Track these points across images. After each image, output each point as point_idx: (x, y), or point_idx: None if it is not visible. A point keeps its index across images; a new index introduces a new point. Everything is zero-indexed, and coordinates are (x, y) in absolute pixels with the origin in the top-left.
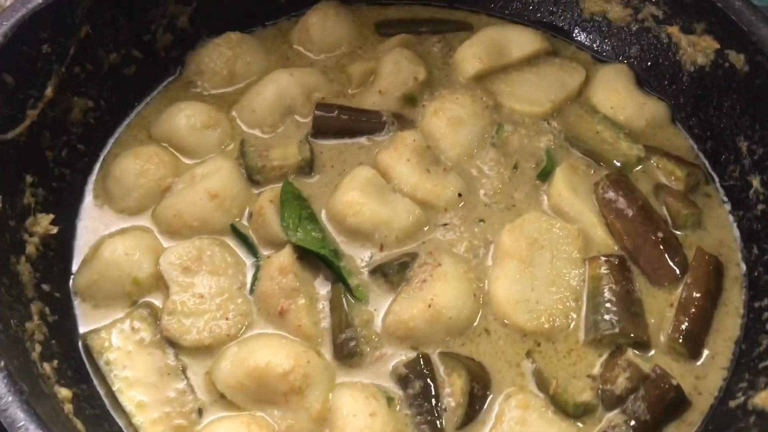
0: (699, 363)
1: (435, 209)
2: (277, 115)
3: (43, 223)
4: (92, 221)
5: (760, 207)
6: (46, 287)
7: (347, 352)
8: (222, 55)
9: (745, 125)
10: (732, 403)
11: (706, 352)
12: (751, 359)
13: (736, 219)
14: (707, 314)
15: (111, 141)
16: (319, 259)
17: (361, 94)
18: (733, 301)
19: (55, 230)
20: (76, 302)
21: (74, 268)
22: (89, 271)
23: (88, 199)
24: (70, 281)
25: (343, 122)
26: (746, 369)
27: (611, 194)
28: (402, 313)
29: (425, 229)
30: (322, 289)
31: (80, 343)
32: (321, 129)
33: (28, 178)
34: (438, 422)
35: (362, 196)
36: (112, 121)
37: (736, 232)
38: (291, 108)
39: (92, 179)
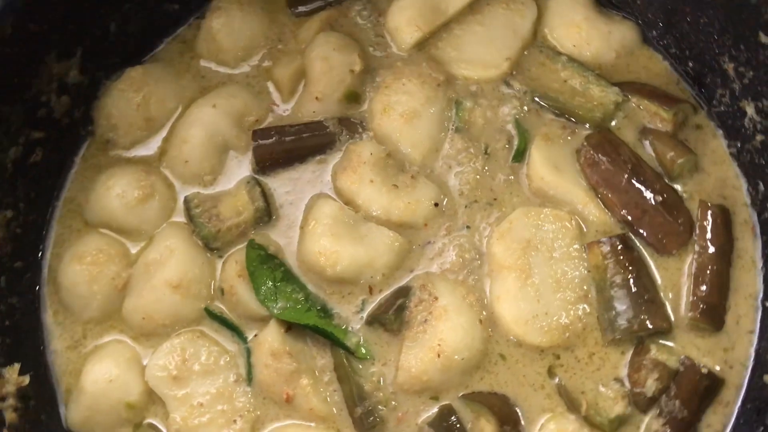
0: (724, 332)
1: (414, 228)
2: (214, 159)
3: (12, 378)
4: (60, 342)
5: (758, 138)
6: None
7: (368, 426)
8: (130, 101)
9: (728, 44)
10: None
11: (729, 319)
12: None
13: (735, 152)
14: (723, 276)
15: (48, 243)
16: (309, 330)
17: (298, 105)
18: (747, 250)
19: (27, 380)
20: None
21: (61, 406)
22: (79, 407)
23: (49, 321)
24: (63, 421)
25: (286, 147)
26: None
27: (597, 160)
28: (412, 368)
29: (411, 254)
30: (322, 357)
31: None
32: (265, 162)
33: None
34: None
35: (334, 241)
36: (39, 220)
37: (737, 169)
38: (225, 144)
39: (44, 295)
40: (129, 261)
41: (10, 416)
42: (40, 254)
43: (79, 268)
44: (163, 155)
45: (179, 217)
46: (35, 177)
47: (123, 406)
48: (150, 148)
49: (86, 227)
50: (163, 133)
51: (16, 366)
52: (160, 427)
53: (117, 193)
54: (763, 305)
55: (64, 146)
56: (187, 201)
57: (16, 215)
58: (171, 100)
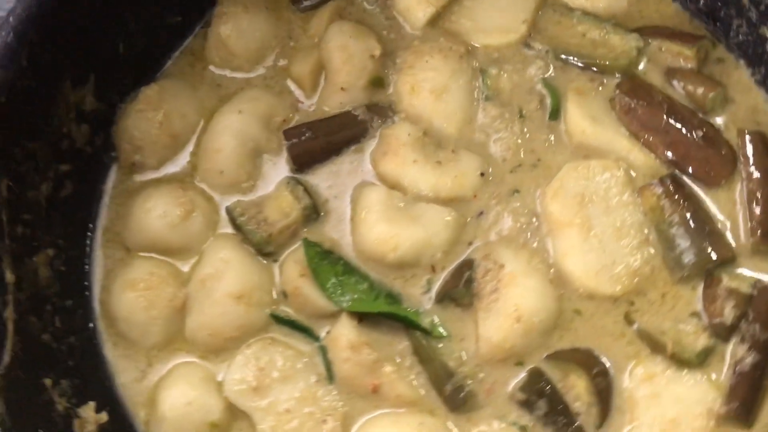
0: None
1: (465, 200)
2: (249, 165)
3: (91, 417)
4: (126, 375)
5: None
6: None
7: (460, 402)
8: (151, 120)
9: None
10: None
11: None
12: None
13: (760, 79)
14: None
15: (93, 277)
16: (381, 316)
17: (322, 99)
18: None
19: (105, 418)
20: None
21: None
22: None
23: (110, 355)
24: None
25: (320, 142)
26: None
27: (632, 106)
28: (493, 337)
29: (466, 227)
30: (399, 343)
31: None
32: (302, 160)
33: (47, 382)
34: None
35: (389, 226)
36: (80, 255)
37: (765, 94)
38: (257, 149)
39: (100, 331)
40: (182, 280)
41: None
42: (87, 290)
43: (133, 296)
44: (196, 169)
45: (225, 229)
46: (69, 211)
47: (207, 428)
48: (179, 165)
49: (129, 254)
50: (190, 147)
51: (92, 404)
52: None
53: (158, 213)
54: None
55: (91, 176)
56: (229, 211)
57: (57, 253)
58: (192, 113)
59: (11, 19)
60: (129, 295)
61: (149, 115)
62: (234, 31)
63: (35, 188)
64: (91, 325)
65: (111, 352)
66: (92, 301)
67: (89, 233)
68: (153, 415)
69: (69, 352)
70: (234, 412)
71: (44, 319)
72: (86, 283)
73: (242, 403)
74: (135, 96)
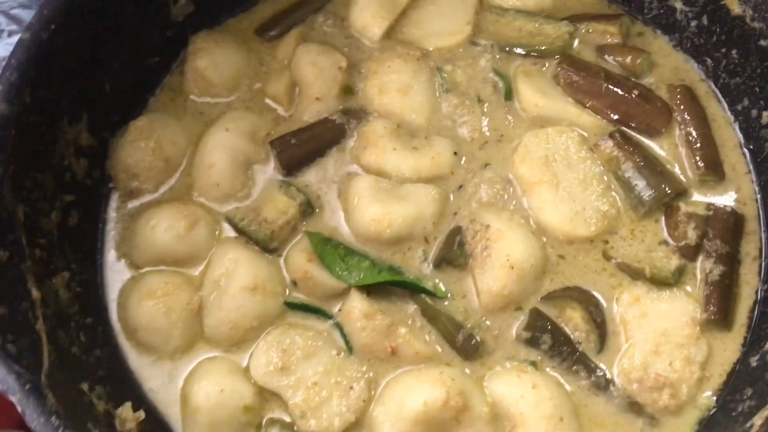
0: (727, 180)
1: (444, 178)
2: (242, 176)
3: (129, 416)
4: (155, 380)
5: (692, 24)
6: None
7: (472, 349)
8: (144, 148)
9: None
10: None
11: (726, 169)
12: (767, 157)
13: (677, 43)
14: (708, 136)
15: (107, 298)
16: (387, 285)
17: (299, 111)
18: (717, 113)
19: (142, 415)
20: None
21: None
22: (197, 428)
23: (135, 365)
24: None
25: (305, 147)
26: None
27: (574, 79)
28: (492, 287)
29: (449, 201)
30: (408, 307)
31: None
32: (290, 164)
33: (84, 387)
34: (583, 358)
35: (382, 206)
36: (92, 279)
37: (683, 55)
38: (247, 161)
39: (122, 345)
40: (195, 285)
41: None
42: (105, 310)
43: (151, 303)
44: (192, 187)
45: (228, 235)
46: (77, 239)
47: (241, 411)
48: (175, 186)
49: (139, 272)
50: (182, 169)
51: (128, 404)
52: (284, 417)
53: (163, 228)
54: (747, 149)
55: (94, 206)
56: (230, 218)
57: (72, 276)
58: (181, 139)
59: (13, 60)
60: (147, 303)
61: (141, 144)
62: (209, 63)
63: (46, 216)
64: (113, 340)
65: (136, 362)
66: (111, 320)
67: (99, 258)
68: (187, 410)
69: (97, 363)
70: (264, 395)
71: (70, 334)
72: (103, 304)
73: (271, 383)
74: (125, 130)
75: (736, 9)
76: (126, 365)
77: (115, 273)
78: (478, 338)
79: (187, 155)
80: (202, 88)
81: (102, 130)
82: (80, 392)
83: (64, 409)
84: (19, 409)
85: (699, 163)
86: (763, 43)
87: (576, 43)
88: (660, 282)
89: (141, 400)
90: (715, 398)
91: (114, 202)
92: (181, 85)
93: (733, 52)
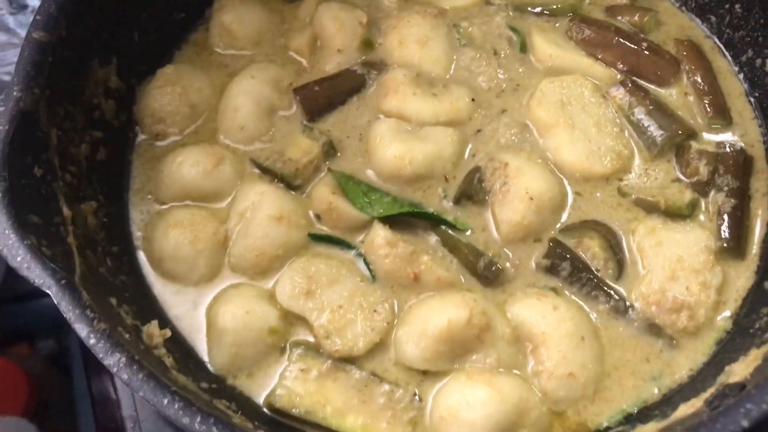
0: (735, 124)
1: (462, 123)
2: (266, 120)
3: (156, 332)
4: (179, 308)
5: None
6: (204, 385)
7: (493, 276)
8: (172, 94)
9: None
10: None
11: (734, 115)
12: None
13: (682, 4)
14: (715, 85)
15: (131, 229)
16: (409, 216)
17: (321, 62)
18: (723, 66)
19: (169, 333)
20: (230, 382)
21: (204, 356)
22: (222, 348)
23: (160, 290)
24: (211, 369)
25: (328, 94)
26: None
27: (586, 32)
28: (512, 217)
29: (468, 145)
30: (430, 240)
31: (266, 411)
32: (312, 110)
33: (113, 301)
34: (602, 284)
35: (404, 144)
36: (117, 211)
37: (689, 14)
38: (271, 107)
39: (147, 272)
40: (221, 219)
41: (169, 361)
42: (130, 242)
43: (178, 232)
44: (217, 131)
45: (254, 172)
46: (104, 174)
47: (266, 333)
48: (200, 131)
49: (165, 207)
50: (208, 115)
51: (155, 322)
52: (308, 339)
53: (190, 163)
54: (753, 96)
55: (120, 146)
56: (255, 158)
57: (99, 206)
58: (206, 87)
59: None
60: (173, 233)
61: (168, 89)
62: (234, 18)
63: (76, 146)
64: (138, 269)
65: (161, 290)
66: (136, 251)
67: (124, 194)
68: (212, 332)
69: (123, 287)
70: (289, 320)
71: (98, 257)
72: (129, 236)
73: (296, 307)
74: (152, 77)
75: None
76: (151, 293)
77: (142, 209)
78: (498, 265)
79: (211, 103)
80: (227, 41)
81: (130, 76)
82: (109, 304)
83: (97, 306)
84: (56, 301)
85: (708, 108)
86: None
87: (587, 3)
88: (675, 214)
89: (166, 325)
90: (732, 321)
91: (140, 146)
92: (206, 40)
93: (736, 6)
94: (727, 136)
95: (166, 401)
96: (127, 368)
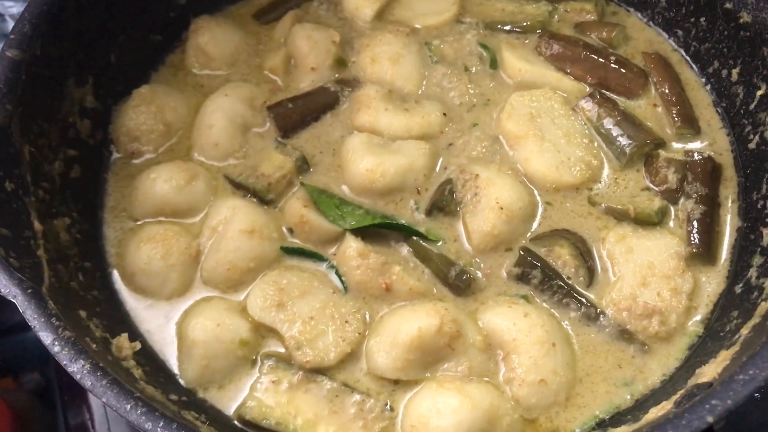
0: (703, 133)
1: (434, 137)
2: (239, 137)
3: (125, 345)
4: (151, 322)
5: (662, 2)
6: (174, 397)
7: (464, 285)
8: (147, 113)
9: None
10: (750, 145)
11: (702, 124)
12: (738, 111)
13: (649, 18)
14: (682, 95)
15: (105, 246)
16: (381, 228)
17: (295, 81)
18: (690, 78)
19: (138, 345)
20: (201, 394)
21: (175, 369)
22: (194, 361)
23: (132, 305)
24: (181, 382)
25: (301, 111)
26: (741, 117)
27: (555, 48)
28: (483, 227)
29: (440, 158)
30: (401, 251)
31: (237, 423)
32: (286, 126)
33: (82, 313)
34: (573, 291)
35: (376, 157)
36: (93, 228)
37: (656, 29)
38: (245, 124)
39: (120, 287)
40: (193, 234)
41: (138, 373)
42: (103, 259)
43: (151, 246)
44: (191, 149)
45: (227, 190)
46: (78, 191)
47: (237, 345)
48: (175, 148)
49: (138, 225)
50: (182, 134)
51: (124, 335)
52: (280, 350)
53: (163, 179)
54: (720, 106)
55: (95, 164)
56: (228, 174)
57: (72, 222)
58: (181, 106)
59: (26, 14)
60: (145, 248)
61: (143, 108)
62: (210, 39)
63: (50, 163)
64: (111, 285)
65: (133, 306)
66: (109, 267)
67: (98, 211)
68: (183, 345)
69: (94, 302)
70: (260, 332)
71: (69, 271)
72: (102, 253)
73: (268, 318)
74: (128, 97)
75: None
76: (123, 308)
77: (116, 227)
78: (470, 275)
79: (186, 121)
80: (203, 62)
81: (106, 97)
82: (78, 316)
83: (64, 317)
84: (21, 310)
85: (675, 117)
86: (728, 5)
87: (555, 20)
88: (644, 221)
89: (137, 339)
90: (703, 325)
91: (115, 164)
92: (182, 61)
93: (702, 19)
94: (695, 145)
95: (129, 406)
96: (90, 375)
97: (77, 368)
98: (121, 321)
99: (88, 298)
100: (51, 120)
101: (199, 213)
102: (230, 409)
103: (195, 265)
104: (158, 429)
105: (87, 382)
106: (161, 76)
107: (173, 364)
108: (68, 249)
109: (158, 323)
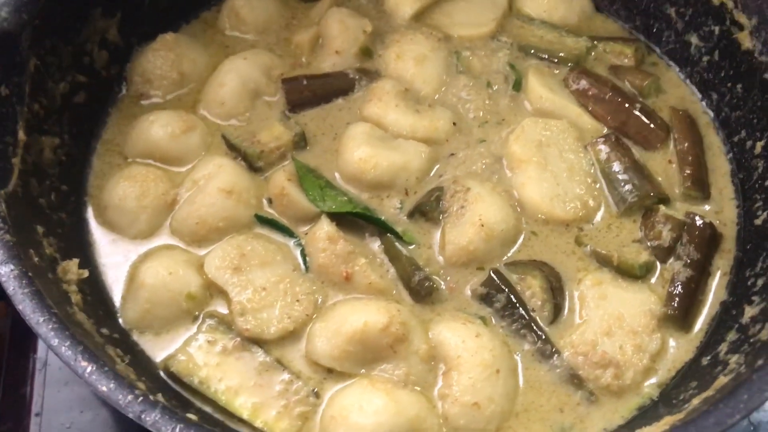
0: (712, 200)
1: (438, 143)
2: (247, 101)
3: (73, 269)
4: (110, 257)
5: (704, 59)
6: (105, 331)
7: (425, 292)
8: (165, 58)
9: None
10: (756, 221)
11: (713, 191)
12: (753, 185)
13: (687, 76)
14: (701, 158)
15: (89, 174)
16: (359, 218)
17: (318, 60)
18: (714, 142)
19: (86, 274)
20: (136, 337)
21: (117, 306)
22: (137, 302)
23: (97, 236)
24: (120, 323)
25: (314, 90)
26: (755, 191)
27: (583, 83)
28: (459, 240)
29: (437, 165)
30: (372, 245)
31: (162, 372)
32: (296, 102)
33: (39, 229)
34: (533, 324)
35: (372, 149)
36: (81, 155)
37: (692, 87)
38: (257, 91)
39: (90, 217)
40: (175, 182)
41: (76, 298)
42: (83, 187)
43: (129, 184)
44: (199, 102)
45: (220, 149)
46: (78, 116)
47: (183, 297)
48: (183, 98)
49: (126, 162)
50: (194, 87)
51: (75, 260)
52: (220, 310)
53: (161, 123)
54: (738, 177)
55: (102, 95)
56: (226, 134)
57: (61, 144)
58: (201, 60)
59: None
60: (123, 184)
61: (163, 53)
62: (246, 3)
63: (54, 82)
64: (82, 213)
65: (98, 237)
66: (84, 189)
67: (92, 141)
68: (131, 285)
69: (59, 222)
70: (211, 291)
71: (42, 188)
72: (83, 180)
73: (221, 279)
74: (152, 41)
75: (746, 43)
76: (86, 238)
77: (105, 160)
78: (433, 284)
79: (202, 77)
80: (234, 24)
81: (131, 35)
82: (33, 230)
83: (12, 222)
84: None
85: (688, 178)
86: (767, 76)
87: (592, 58)
88: (626, 272)
89: (91, 266)
90: (659, 389)
91: (122, 101)
92: (215, 19)
93: (738, 86)
94: (700, 209)
95: (42, 319)
96: (14, 280)
97: (4, 271)
98: (78, 248)
99: (53, 217)
100: (68, 41)
101: (188, 164)
102: (159, 357)
103: (167, 213)
104: (63, 348)
105: (9, 286)
106: (191, 29)
107: (118, 302)
108: (49, 168)
109: (116, 260)
